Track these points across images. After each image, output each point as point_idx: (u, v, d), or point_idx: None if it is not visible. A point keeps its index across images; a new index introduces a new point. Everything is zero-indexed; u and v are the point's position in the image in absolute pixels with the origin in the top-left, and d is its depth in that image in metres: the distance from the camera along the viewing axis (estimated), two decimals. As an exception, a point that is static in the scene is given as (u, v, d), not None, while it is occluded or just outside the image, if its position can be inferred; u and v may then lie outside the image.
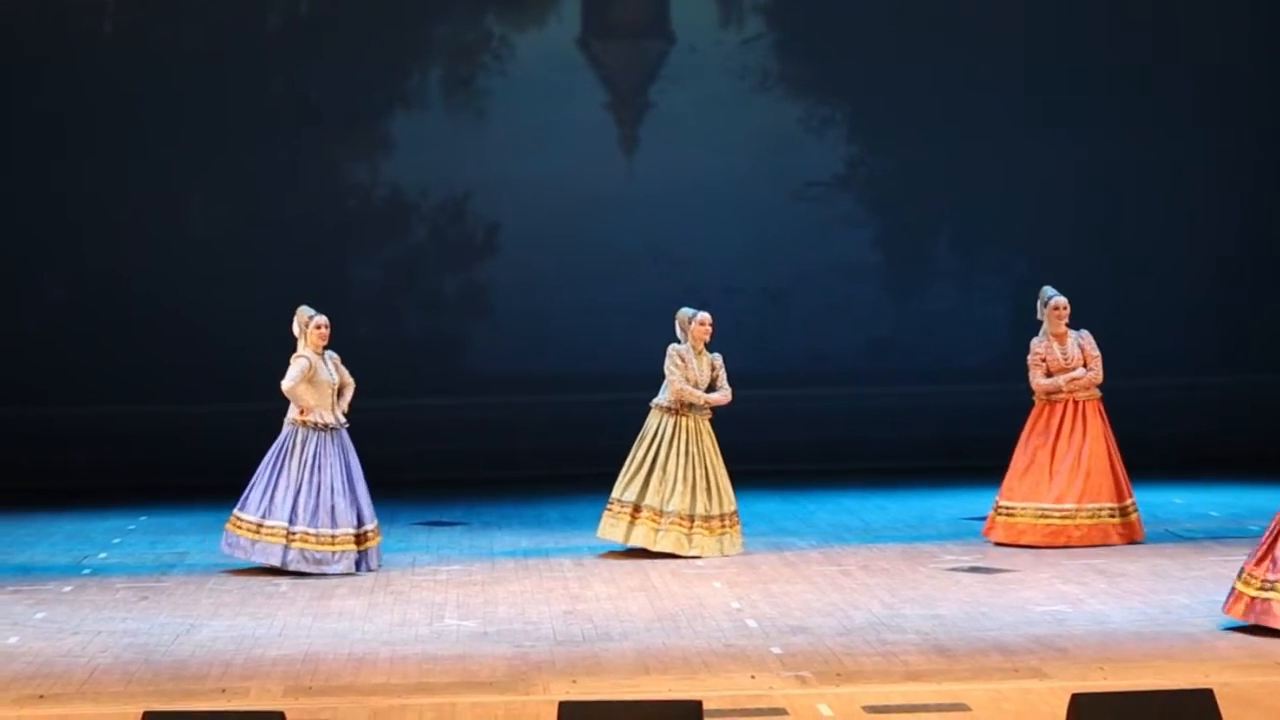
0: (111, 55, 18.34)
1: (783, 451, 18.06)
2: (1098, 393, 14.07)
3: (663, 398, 13.90)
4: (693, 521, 13.69)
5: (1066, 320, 14.10)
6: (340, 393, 13.48)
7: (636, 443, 13.92)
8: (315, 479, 13.23)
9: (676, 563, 13.42)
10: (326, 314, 13.48)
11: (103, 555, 14.26)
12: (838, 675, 9.95)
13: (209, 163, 18.36)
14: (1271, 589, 10.62)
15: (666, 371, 13.85)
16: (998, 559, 13.43)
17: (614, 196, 18.58)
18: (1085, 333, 14.13)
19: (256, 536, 13.18)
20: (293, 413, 13.36)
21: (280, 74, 18.58)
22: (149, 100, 18.22)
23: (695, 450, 13.82)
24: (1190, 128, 18.71)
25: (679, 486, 13.70)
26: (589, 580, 12.85)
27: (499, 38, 18.61)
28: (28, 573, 13.52)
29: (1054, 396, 14.02)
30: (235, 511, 13.35)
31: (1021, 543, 13.80)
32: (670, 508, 13.67)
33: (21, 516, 16.19)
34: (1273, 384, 18.48)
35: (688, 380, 13.80)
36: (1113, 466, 13.94)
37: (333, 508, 13.18)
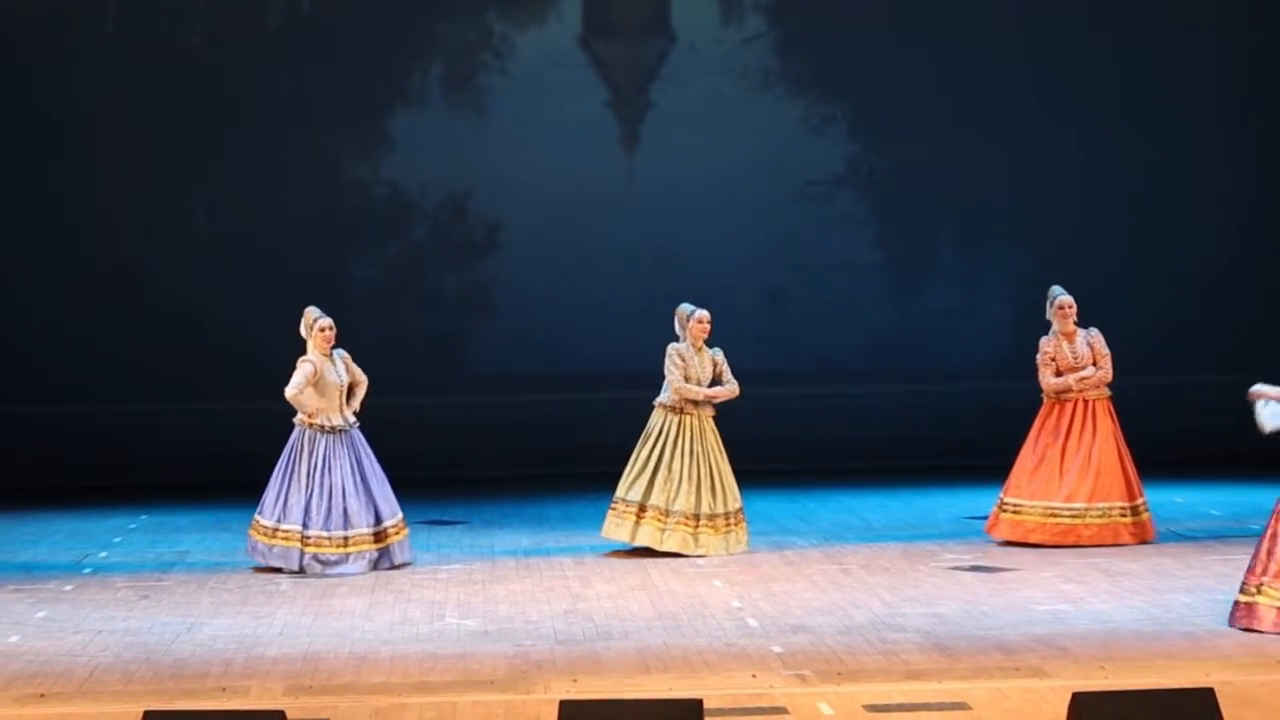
0: (112, 55, 18.34)
1: (784, 450, 18.05)
2: (1107, 391, 14.04)
3: (665, 396, 13.88)
4: (698, 521, 13.68)
5: (1074, 319, 14.07)
6: (351, 391, 13.46)
7: (640, 442, 13.90)
8: (326, 481, 13.23)
9: (677, 561, 13.42)
10: (328, 312, 13.46)
11: (104, 554, 14.26)
12: (838, 674, 9.94)
13: (210, 161, 18.36)
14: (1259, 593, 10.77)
15: (666, 371, 13.83)
16: (999, 558, 13.42)
17: (615, 195, 18.59)
18: (1094, 331, 14.10)
19: (273, 541, 13.19)
20: (301, 414, 13.35)
21: (281, 72, 18.58)
22: (150, 99, 18.22)
23: (699, 448, 13.81)
24: (1192, 127, 18.71)
25: (684, 486, 13.68)
26: (590, 579, 12.85)
27: (500, 36, 18.61)
28: (29, 571, 13.52)
29: (1064, 396, 14.00)
30: (255, 515, 13.36)
31: (1029, 541, 13.77)
32: (676, 507, 13.65)
33: (22, 515, 16.20)
34: (1275, 383, 18.43)
35: (688, 378, 13.79)
36: (1123, 466, 13.91)
37: (345, 510, 13.19)
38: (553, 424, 18.46)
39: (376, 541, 13.28)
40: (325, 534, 13.14)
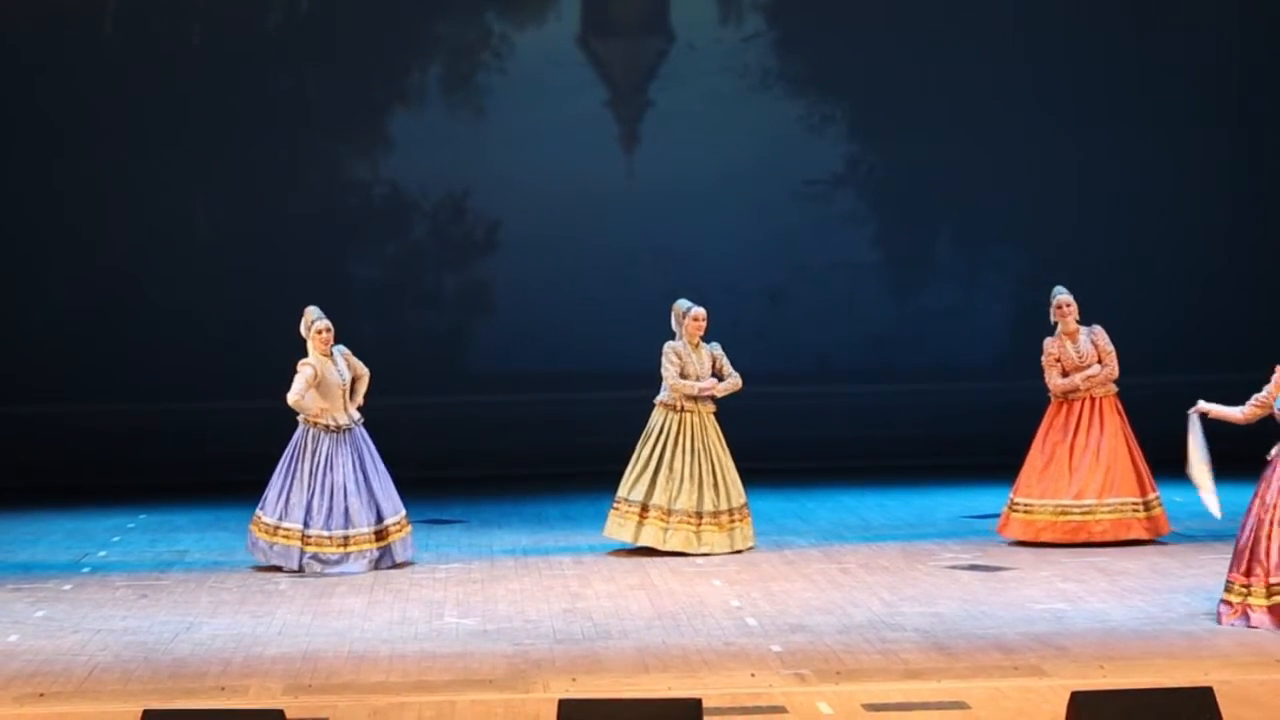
0: (112, 55, 18.34)
1: (783, 449, 18.04)
2: (1114, 388, 14.02)
3: (665, 395, 13.88)
4: (700, 519, 13.67)
5: (1075, 318, 14.05)
6: (354, 387, 13.46)
7: (641, 441, 13.89)
8: (328, 480, 13.23)
9: (676, 560, 13.42)
10: (327, 312, 13.45)
11: (102, 553, 14.26)
12: (837, 673, 9.94)
13: (210, 161, 18.36)
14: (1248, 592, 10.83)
15: (662, 369, 13.82)
16: (998, 557, 13.42)
17: (614, 194, 18.58)
18: (1097, 328, 14.08)
19: (273, 538, 13.20)
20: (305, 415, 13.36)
21: (281, 73, 18.58)
22: (150, 99, 18.22)
23: (700, 446, 13.80)
24: (1192, 127, 18.70)
25: (685, 484, 13.67)
26: (589, 578, 12.85)
27: (499, 35, 18.61)
28: (28, 570, 13.52)
29: (1071, 395, 13.98)
30: (256, 512, 13.36)
31: (1041, 540, 13.74)
32: (678, 506, 13.64)
33: (22, 514, 16.20)
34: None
35: (686, 375, 13.78)
36: (1134, 460, 13.88)
37: (346, 509, 13.20)
38: (552, 423, 18.46)
39: (377, 540, 13.28)
40: (326, 533, 13.15)
